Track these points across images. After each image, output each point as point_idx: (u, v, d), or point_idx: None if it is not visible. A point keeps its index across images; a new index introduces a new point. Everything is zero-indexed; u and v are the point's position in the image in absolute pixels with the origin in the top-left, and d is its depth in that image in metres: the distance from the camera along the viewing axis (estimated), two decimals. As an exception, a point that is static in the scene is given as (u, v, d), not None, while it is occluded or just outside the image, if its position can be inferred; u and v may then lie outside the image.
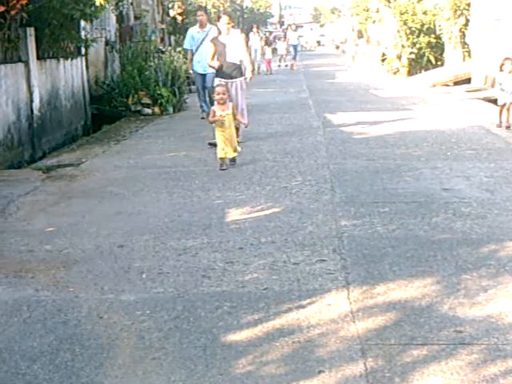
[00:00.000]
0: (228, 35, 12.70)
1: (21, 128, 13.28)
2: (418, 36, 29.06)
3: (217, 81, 12.50)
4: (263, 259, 6.46)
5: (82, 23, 16.49)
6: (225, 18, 12.81)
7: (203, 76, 16.01)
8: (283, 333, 4.93)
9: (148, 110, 18.34)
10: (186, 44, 17.03)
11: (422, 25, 28.95)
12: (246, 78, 13.00)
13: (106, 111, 18.15)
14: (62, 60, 15.80)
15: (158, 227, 7.66)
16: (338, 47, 65.62)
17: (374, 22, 40.44)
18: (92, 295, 5.78)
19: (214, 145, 11.34)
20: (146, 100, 18.48)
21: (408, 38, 29.16)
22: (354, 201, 8.41)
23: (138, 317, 5.32)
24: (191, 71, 17.09)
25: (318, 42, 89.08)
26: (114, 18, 21.20)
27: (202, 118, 16.41)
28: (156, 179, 10.09)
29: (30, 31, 13.74)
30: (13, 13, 12.34)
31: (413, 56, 29.14)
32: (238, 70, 12.82)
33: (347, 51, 42.34)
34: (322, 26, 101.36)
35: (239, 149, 10.94)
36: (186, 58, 17.66)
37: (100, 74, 19.46)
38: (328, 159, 11.17)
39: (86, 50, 17.06)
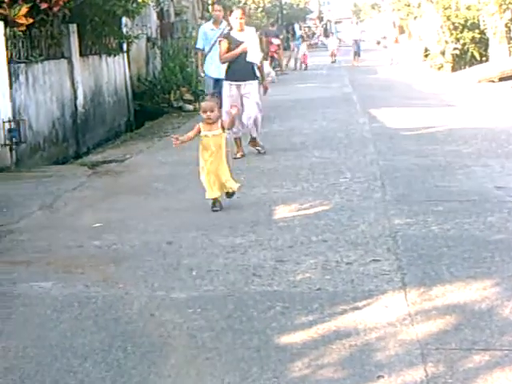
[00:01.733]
0: (242, 32, 11.29)
1: (65, 124, 13.32)
2: (461, 31, 28.69)
3: (226, 85, 11.38)
4: (315, 258, 6.33)
5: (124, 20, 16.51)
6: (237, 12, 11.41)
7: (217, 81, 13.86)
8: (339, 335, 4.79)
9: (189, 106, 18.29)
10: (199, 43, 14.99)
11: (466, 20, 28.58)
12: (264, 82, 11.78)
13: (148, 107, 18.14)
14: (104, 56, 15.84)
15: (205, 224, 7.57)
16: (378, 43, 65.17)
17: (415, 17, 40.08)
18: (142, 292, 5.70)
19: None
20: (188, 96, 18.44)
21: (451, 34, 28.80)
22: (406, 199, 8.23)
23: (190, 315, 5.23)
24: (202, 74, 15.23)
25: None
26: (154, 15, 21.19)
27: None
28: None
29: (73, 28, 13.78)
30: (55, 9, 12.36)
31: (457, 52, 28.79)
32: (253, 72, 11.40)
33: (388, 47, 42.01)
34: (362, 21, 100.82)
35: (235, 186, 8.33)
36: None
37: (142, 70, 19.46)
38: (377, 155, 11.01)
39: (128, 46, 17.10)
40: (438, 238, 6.74)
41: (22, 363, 4.58)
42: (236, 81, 11.25)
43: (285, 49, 35.17)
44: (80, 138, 13.94)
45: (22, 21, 11.35)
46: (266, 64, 28.01)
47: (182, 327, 5.03)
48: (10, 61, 11.23)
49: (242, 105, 11.12)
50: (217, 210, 8.04)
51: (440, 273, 5.82)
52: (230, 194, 8.32)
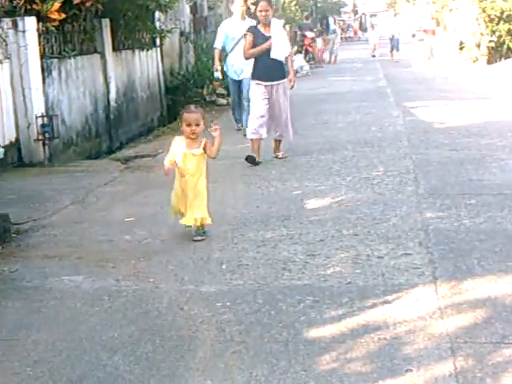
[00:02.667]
0: (267, 26, 10.41)
1: (98, 119, 13.38)
2: (497, 23, 28.40)
3: (253, 84, 10.52)
4: (345, 252, 6.30)
5: (157, 14, 16.51)
6: (263, 4, 10.37)
7: (238, 83, 13.35)
8: (369, 329, 4.76)
9: (222, 101, 18.26)
10: (217, 41, 13.76)
11: (502, 12, 28.28)
12: (291, 77, 10.78)
13: (181, 102, 18.12)
14: (137, 51, 15.86)
15: (235, 218, 7.57)
16: (414, 36, 64.72)
17: (450, 10, 39.71)
18: (172, 286, 5.71)
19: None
20: (221, 90, 18.41)
21: (487, 26, 28.53)
22: (439, 192, 8.16)
23: (219, 309, 5.23)
24: (217, 73, 14.04)
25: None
26: (188, 9, 21.19)
27: (239, 130, 13.60)
28: (232, 170, 10.02)
29: (106, 22, 13.81)
30: (88, 4, 12.39)
31: (492, 44, 28.51)
32: (282, 70, 10.55)
33: (424, 39, 41.63)
34: (396, 14, 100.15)
35: (207, 220, 6.93)
36: None
37: (175, 64, 19.48)
38: (410, 149, 10.93)
39: (161, 40, 17.09)
40: (469, 231, 6.68)
41: (52, 356, 4.61)
42: (264, 80, 10.39)
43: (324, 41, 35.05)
44: (113, 133, 13.99)
45: (55, 16, 11.41)
46: (301, 57, 28.01)
47: (210, 321, 5.03)
48: (42, 56, 11.30)
49: (268, 106, 10.41)
50: (199, 240, 6.85)
51: (471, 267, 5.77)
52: (198, 228, 6.93)
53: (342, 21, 71.14)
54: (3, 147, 10.29)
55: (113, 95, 14.03)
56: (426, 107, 15.81)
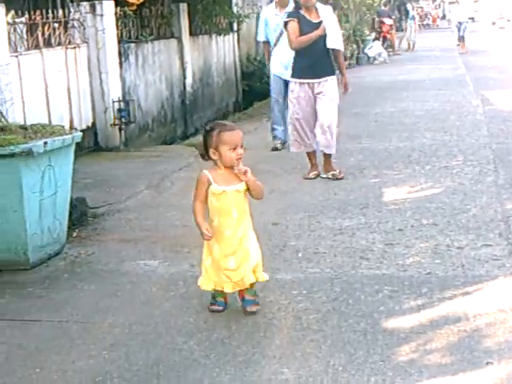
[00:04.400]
0: (314, 11, 8.64)
1: (174, 104, 13.42)
2: None
3: (292, 84, 8.81)
4: (425, 242, 6.18)
5: (234, -1, 16.47)
6: None
7: (286, 82, 10.19)
8: (448, 320, 4.65)
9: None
10: (259, 34, 11.48)
11: None
12: (344, 78, 9.08)
13: (257, 88, 18.04)
14: (214, 36, 15.85)
15: (312, 206, 7.50)
16: (494, 23, 63.62)
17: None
18: (248, 273, 5.65)
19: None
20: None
21: None
22: (520, 183, 7.98)
23: (295, 297, 5.16)
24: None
25: (472, 19, 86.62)
26: (264, -6, 21.08)
27: (276, 149, 10.82)
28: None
29: (183, 7, 13.83)
30: (166, -11, 12.42)
31: None
32: (332, 65, 8.75)
33: (505, 27, 40.84)
34: (476, 1, 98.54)
35: (263, 277, 5.00)
36: None
37: (251, 50, 19.40)
38: (490, 138, 10.70)
39: (239, 25, 17.04)
40: (552, 223, 6.50)
41: (127, 339, 4.61)
42: (308, 78, 8.59)
43: (397, 30, 34.59)
44: (188, 119, 14.02)
45: (133, 0, 11.46)
46: (378, 44, 27.71)
47: (287, 309, 4.97)
48: (120, 40, 11.38)
49: (313, 109, 8.69)
50: (218, 311, 4.97)
51: (555, 259, 5.60)
52: (250, 292, 4.98)
53: (420, 7, 70.10)
54: (80, 131, 10.37)
55: (189, 80, 14.05)
56: (506, 96, 15.44)
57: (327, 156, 8.73)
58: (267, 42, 11.16)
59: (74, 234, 6.84)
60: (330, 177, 8.58)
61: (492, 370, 4.02)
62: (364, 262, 5.79)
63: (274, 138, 11.02)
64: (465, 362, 4.11)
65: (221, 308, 4.95)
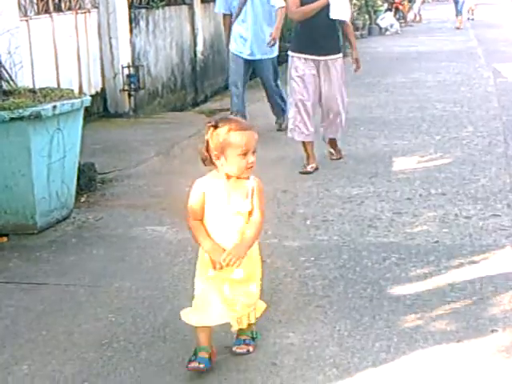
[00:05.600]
0: None
1: (184, 71, 13.35)
2: None
3: (296, 60, 7.61)
4: (433, 211, 6.18)
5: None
6: None
7: (250, 64, 9.47)
8: (454, 288, 4.66)
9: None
10: (219, 4, 9.86)
11: None
12: (355, 53, 7.96)
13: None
14: (225, 3, 15.69)
15: (321, 174, 7.51)
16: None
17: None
18: (256, 239, 5.66)
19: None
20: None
21: None
22: (529, 155, 7.95)
23: (302, 263, 5.17)
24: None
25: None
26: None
27: None
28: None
29: (195, -28, 13.71)
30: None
31: None
32: (338, 42, 7.73)
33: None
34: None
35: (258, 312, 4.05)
36: None
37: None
38: (500, 110, 10.66)
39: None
40: (560, 195, 6.48)
41: (134, 303, 4.62)
42: (314, 54, 7.56)
43: (409, 0, 34.24)
44: (198, 86, 13.95)
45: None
46: (390, 15, 27.51)
47: (293, 275, 4.99)
48: (131, 6, 11.30)
49: (318, 90, 7.68)
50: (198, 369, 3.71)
51: (563, 232, 5.59)
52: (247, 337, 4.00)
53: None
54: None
55: (199, 47, 13.97)
56: (518, 69, 15.36)
57: (333, 141, 8.05)
58: (228, 15, 9.70)
59: (82, 200, 6.84)
60: (334, 155, 8.00)
61: (497, 338, 4.04)
62: (372, 230, 5.80)
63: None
64: (470, 330, 4.12)
65: (202, 366, 3.70)
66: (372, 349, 3.93)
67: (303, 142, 7.72)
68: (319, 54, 7.52)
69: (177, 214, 6.36)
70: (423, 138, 8.92)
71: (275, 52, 9.48)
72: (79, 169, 6.69)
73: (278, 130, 9.66)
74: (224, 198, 3.75)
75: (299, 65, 7.56)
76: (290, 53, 7.68)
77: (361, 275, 4.92)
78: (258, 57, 9.48)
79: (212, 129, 3.67)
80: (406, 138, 8.98)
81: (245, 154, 3.63)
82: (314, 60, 7.53)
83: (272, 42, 9.11)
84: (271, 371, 3.76)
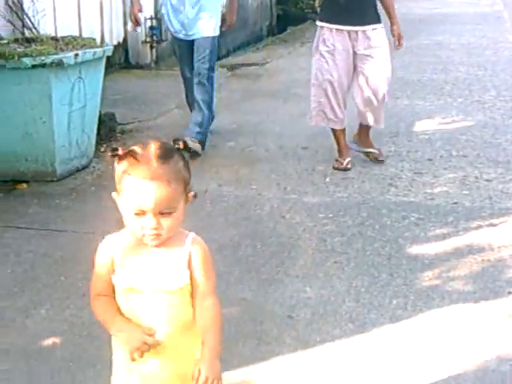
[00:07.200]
0: None
1: (207, 24, 13.20)
2: None
3: (325, 30, 6.18)
4: (453, 173, 6.15)
5: None
6: None
7: (189, 44, 7.08)
8: (472, 250, 4.65)
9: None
10: None
11: None
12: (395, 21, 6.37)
13: (292, 12, 17.79)
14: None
15: (342, 131, 7.43)
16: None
17: None
18: (275, 194, 5.67)
19: None
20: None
21: None
22: (553, 118, 7.86)
23: (321, 220, 5.17)
24: (133, 26, 7.90)
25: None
26: None
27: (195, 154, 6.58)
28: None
29: None
30: None
31: None
32: (376, 9, 6.25)
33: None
34: None
35: None
36: None
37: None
38: (524, 75, 10.53)
39: None
40: None
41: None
42: (348, 24, 6.11)
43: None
44: (220, 40, 13.83)
45: None
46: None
47: (312, 231, 4.98)
48: (155, -43, 11.19)
49: (351, 69, 6.26)
50: None
51: None
52: None
53: None
54: (111, 47, 10.32)
55: (222, 0, 13.83)
56: (546, 34, 15.17)
57: (366, 129, 6.62)
58: None
59: (102, 149, 6.83)
60: (369, 156, 6.54)
61: (514, 300, 4.02)
62: (392, 188, 5.78)
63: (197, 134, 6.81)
64: (487, 291, 4.12)
65: None
66: (389, 305, 3.94)
67: (333, 131, 6.49)
68: (356, 24, 6.10)
69: (196, 166, 6.34)
70: (445, 100, 8.83)
71: None
72: (100, 118, 6.68)
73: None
74: (142, 268, 2.35)
75: (330, 37, 6.14)
76: (318, 23, 6.32)
77: (380, 233, 4.91)
78: None
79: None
80: (429, 99, 8.89)
81: (139, 214, 2.25)
82: (349, 32, 6.12)
83: None
84: (287, 324, 3.78)
